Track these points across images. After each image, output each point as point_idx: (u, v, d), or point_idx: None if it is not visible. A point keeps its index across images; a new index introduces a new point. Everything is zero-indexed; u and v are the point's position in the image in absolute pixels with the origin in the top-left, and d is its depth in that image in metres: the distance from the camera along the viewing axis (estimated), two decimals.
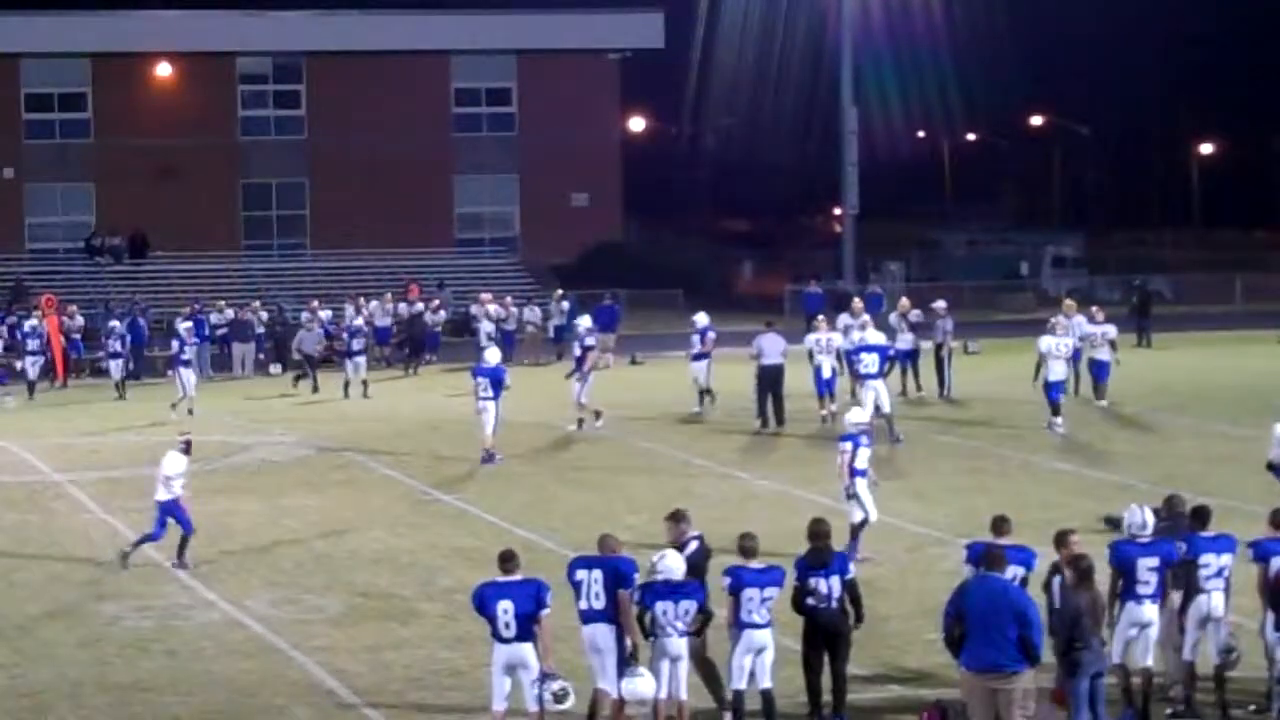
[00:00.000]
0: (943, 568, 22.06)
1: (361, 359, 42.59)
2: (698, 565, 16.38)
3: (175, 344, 39.96)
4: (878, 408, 32.51)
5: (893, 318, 39.43)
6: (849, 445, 22.88)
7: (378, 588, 22.33)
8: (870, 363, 32.88)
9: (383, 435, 35.30)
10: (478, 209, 69.25)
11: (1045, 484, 28.53)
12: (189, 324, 41.86)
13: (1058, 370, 34.22)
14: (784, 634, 17.18)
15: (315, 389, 42.81)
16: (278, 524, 26.43)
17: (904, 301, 40.55)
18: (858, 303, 39.98)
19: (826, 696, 16.45)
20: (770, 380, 35.07)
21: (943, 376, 39.40)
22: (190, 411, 37.63)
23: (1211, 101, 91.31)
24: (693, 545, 16.57)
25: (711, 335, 37.33)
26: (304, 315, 47.44)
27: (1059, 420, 33.88)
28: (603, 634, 15.85)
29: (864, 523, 22.92)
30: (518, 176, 68.77)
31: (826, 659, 16.40)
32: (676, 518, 16.85)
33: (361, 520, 26.32)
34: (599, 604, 15.80)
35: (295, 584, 22.55)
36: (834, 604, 16.27)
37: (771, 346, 35.46)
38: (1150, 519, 16.52)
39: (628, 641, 15.80)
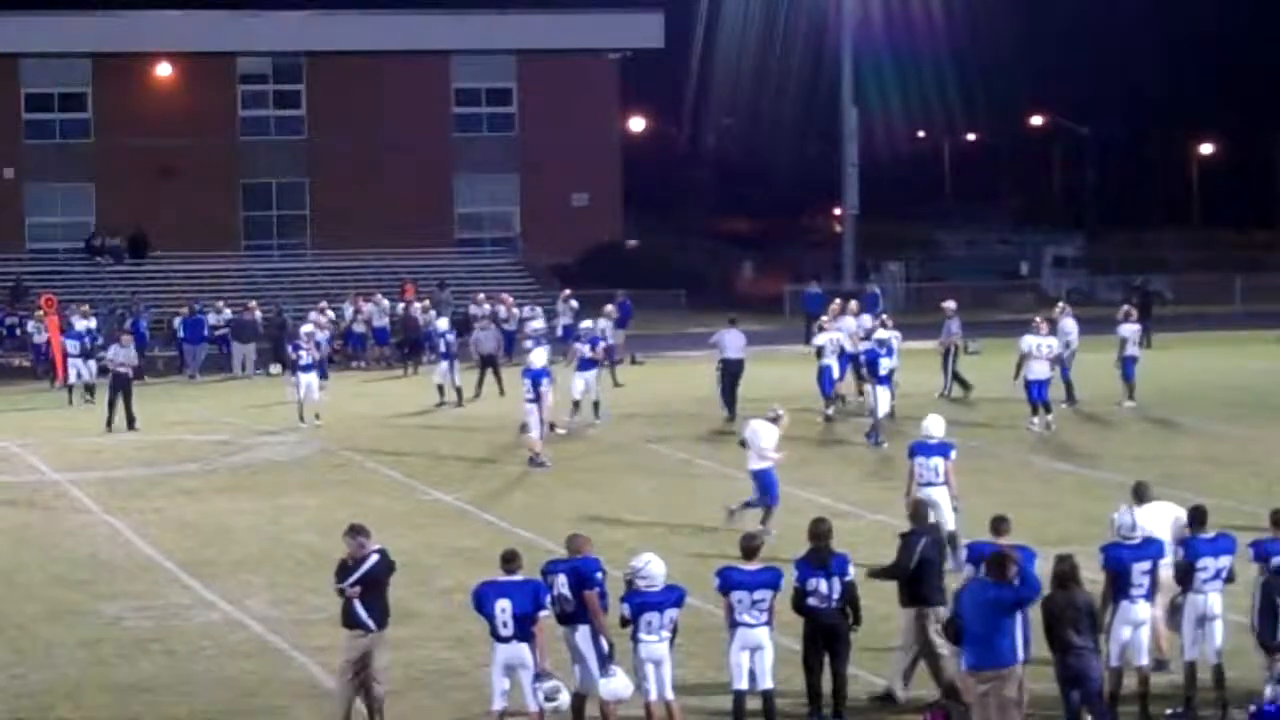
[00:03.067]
0: (948, 567, 22.03)
1: (445, 363, 40.08)
2: (377, 579, 16.16)
3: (291, 348, 38.61)
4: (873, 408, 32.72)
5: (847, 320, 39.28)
6: (953, 454, 22.50)
7: None
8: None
9: (383, 435, 35.30)
10: (478, 209, 69.27)
11: (1045, 484, 28.54)
12: (309, 328, 40.51)
13: (1039, 370, 34.29)
14: (783, 634, 17.18)
15: (501, 391, 40.20)
16: (278, 524, 26.43)
17: (851, 304, 40.41)
18: (835, 304, 40.03)
19: (828, 697, 16.46)
20: (732, 375, 35.45)
21: (948, 375, 39.35)
22: (317, 417, 36.46)
23: (1211, 101, 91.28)
24: (373, 559, 16.25)
25: (602, 344, 36.83)
26: (473, 310, 46.33)
27: (1036, 420, 33.97)
28: (579, 636, 15.94)
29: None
30: (518, 176, 68.77)
31: (826, 659, 16.39)
32: (354, 532, 16.47)
33: (361, 520, 26.24)
34: (569, 606, 15.89)
35: (295, 584, 22.53)
36: (834, 605, 16.27)
37: (732, 342, 35.96)
38: (1139, 520, 16.52)
39: (602, 641, 15.87)
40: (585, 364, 35.86)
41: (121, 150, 64.01)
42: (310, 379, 36.85)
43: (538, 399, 30.61)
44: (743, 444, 25.13)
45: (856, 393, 36.76)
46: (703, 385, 41.73)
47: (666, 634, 15.71)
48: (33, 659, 19.28)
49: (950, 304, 40.75)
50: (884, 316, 38.45)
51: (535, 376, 30.86)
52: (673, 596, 15.75)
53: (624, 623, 15.76)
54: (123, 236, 62.66)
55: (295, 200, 67.67)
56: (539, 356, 32.14)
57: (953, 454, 22.48)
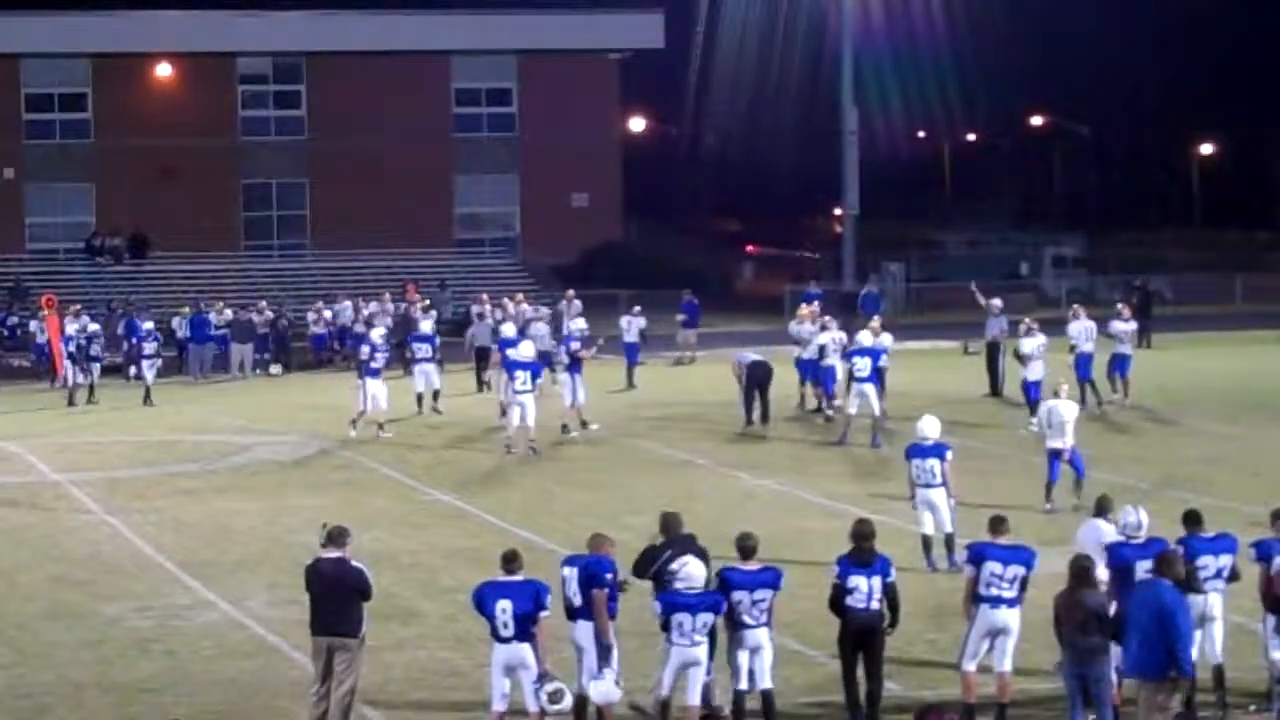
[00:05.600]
0: (942, 567, 22.06)
1: (430, 366, 37.91)
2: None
3: (366, 349, 35.36)
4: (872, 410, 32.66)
5: (792, 326, 39.02)
6: (949, 455, 22.53)
7: (378, 588, 22.25)
8: (863, 367, 32.86)
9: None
10: (478, 209, 69.26)
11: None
12: (381, 330, 38.25)
13: (1036, 371, 34.29)
14: (784, 634, 17.19)
15: (482, 385, 40.59)
16: (278, 524, 26.43)
17: (803, 308, 40.15)
18: (814, 308, 39.88)
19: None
20: (760, 378, 35.31)
21: (999, 374, 39.16)
22: (381, 427, 34.63)
23: (1211, 101, 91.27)
24: None
25: (577, 344, 35.79)
26: (474, 308, 46.07)
27: (1036, 420, 33.90)
28: (581, 631, 15.94)
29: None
30: (518, 176, 68.78)
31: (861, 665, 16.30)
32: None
33: (361, 520, 26.22)
34: (576, 601, 15.90)
35: (295, 584, 22.35)
36: (871, 605, 16.21)
37: (754, 354, 35.92)
38: (1145, 519, 16.52)
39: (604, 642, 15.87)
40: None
41: (121, 150, 63.98)
42: (378, 385, 34.82)
43: (532, 390, 31.73)
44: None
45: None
46: (703, 385, 41.80)
47: (700, 639, 15.61)
48: (33, 659, 19.27)
49: (996, 302, 40.55)
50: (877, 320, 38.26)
51: (535, 369, 31.99)
52: (708, 601, 15.63)
53: (663, 626, 15.75)
54: (123, 236, 62.65)
55: (295, 200, 67.66)
56: (527, 349, 32.87)
57: (949, 455, 22.45)
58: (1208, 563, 16.45)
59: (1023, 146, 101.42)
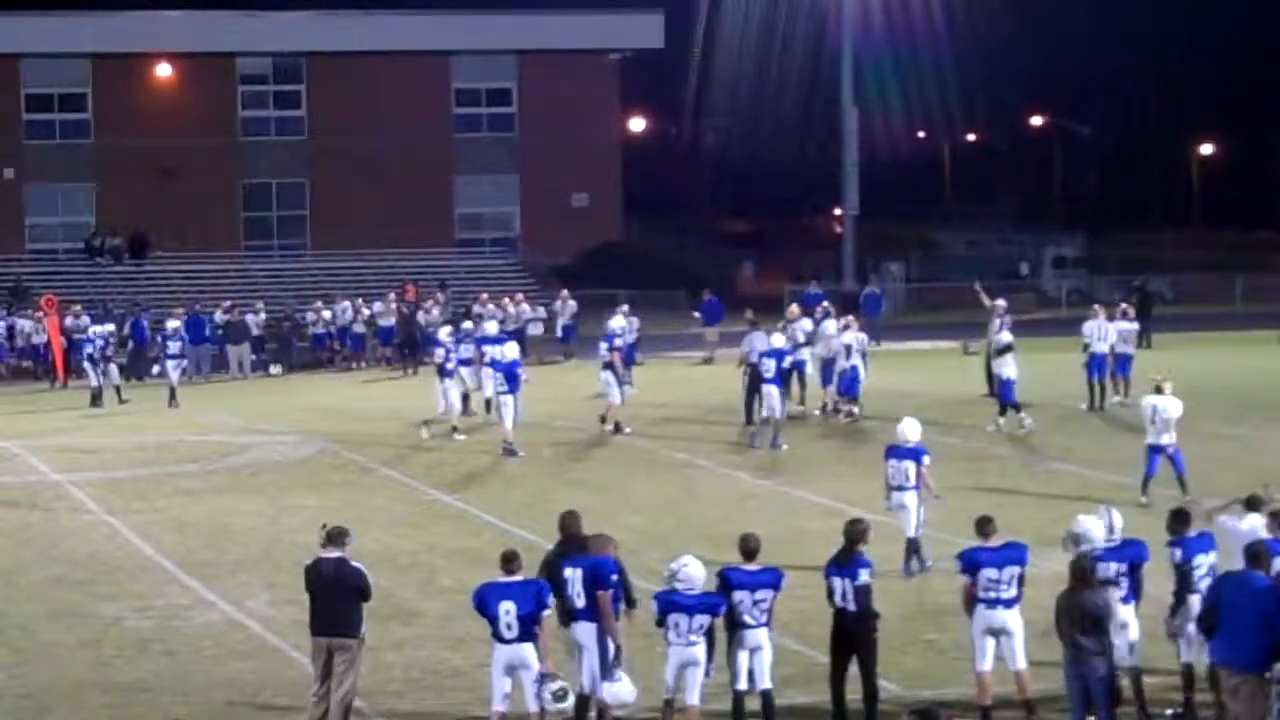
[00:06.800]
0: (942, 567, 22.06)
1: (467, 370, 36.48)
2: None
3: (441, 352, 34.77)
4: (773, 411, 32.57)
5: (789, 327, 38.95)
6: (926, 459, 22.50)
7: (378, 588, 22.25)
8: (768, 367, 32.65)
9: (383, 435, 35.27)
10: (478, 209, 69.27)
11: (1045, 484, 28.53)
12: (448, 329, 37.39)
13: (1012, 368, 34.24)
14: (784, 634, 17.18)
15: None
16: (278, 524, 26.44)
17: (793, 309, 40.04)
18: (793, 309, 39.85)
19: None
20: (760, 379, 35.19)
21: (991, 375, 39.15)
22: (454, 429, 34.15)
23: (1211, 101, 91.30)
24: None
25: (618, 342, 35.96)
26: (475, 307, 46.00)
27: (1027, 419, 33.93)
28: (584, 632, 15.93)
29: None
30: (518, 176, 68.80)
31: (854, 668, 16.29)
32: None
33: (361, 520, 26.24)
34: (580, 603, 15.88)
35: (295, 584, 22.37)
36: (848, 606, 16.21)
37: (761, 344, 35.63)
38: (1118, 522, 16.53)
39: (609, 642, 15.84)
40: (608, 364, 35.54)
41: (121, 150, 64.00)
42: (455, 387, 34.62)
43: (511, 390, 32.07)
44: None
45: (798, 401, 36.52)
46: (702, 385, 41.82)
47: (697, 639, 15.60)
48: (33, 659, 19.28)
49: (1000, 302, 40.44)
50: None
51: (509, 369, 32.31)
52: (706, 603, 15.63)
53: (658, 622, 15.76)
54: (123, 236, 62.66)
55: (295, 200, 67.68)
56: (511, 349, 33.29)
57: (925, 459, 22.42)
58: (1201, 561, 16.44)
59: (1023, 146, 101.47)
